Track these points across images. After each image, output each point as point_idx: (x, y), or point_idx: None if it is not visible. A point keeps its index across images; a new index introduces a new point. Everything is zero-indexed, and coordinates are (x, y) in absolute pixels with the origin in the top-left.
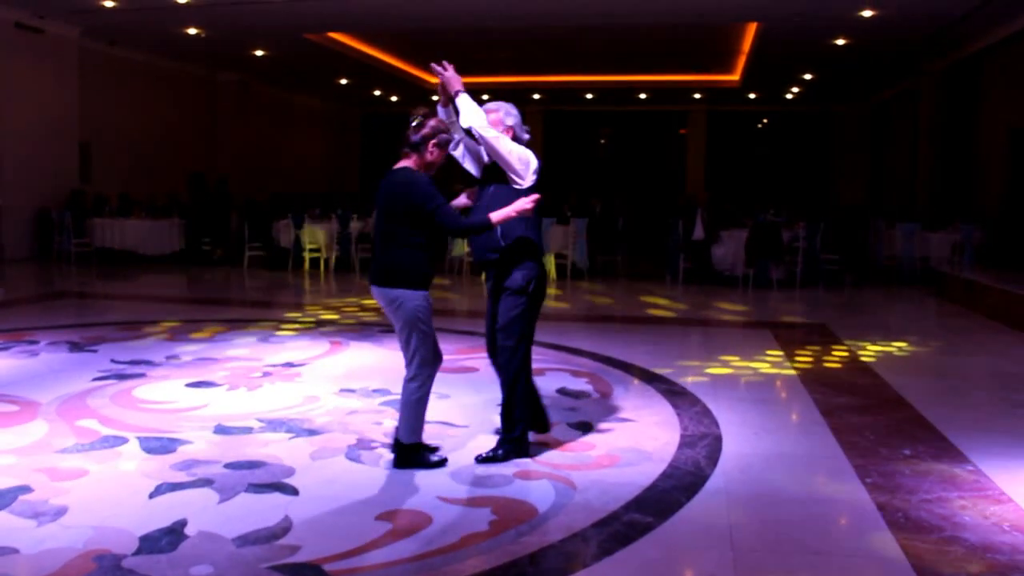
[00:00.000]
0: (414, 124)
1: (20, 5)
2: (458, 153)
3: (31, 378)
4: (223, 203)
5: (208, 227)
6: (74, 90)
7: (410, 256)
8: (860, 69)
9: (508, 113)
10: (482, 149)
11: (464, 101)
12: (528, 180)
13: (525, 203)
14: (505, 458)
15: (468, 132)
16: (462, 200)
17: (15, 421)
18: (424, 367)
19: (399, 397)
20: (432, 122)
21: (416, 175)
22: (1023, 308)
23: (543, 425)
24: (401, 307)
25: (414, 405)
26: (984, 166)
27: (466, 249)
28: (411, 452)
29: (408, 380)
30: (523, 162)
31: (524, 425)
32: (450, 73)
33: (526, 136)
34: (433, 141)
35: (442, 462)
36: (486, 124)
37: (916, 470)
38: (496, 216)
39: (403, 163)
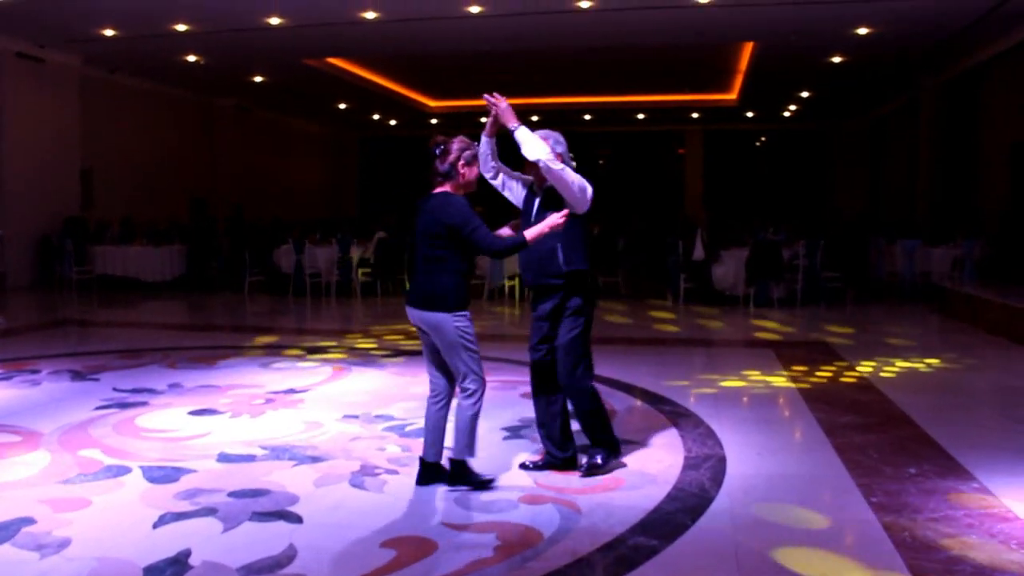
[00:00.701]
0: (438, 153)
1: (22, 35)
2: (497, 183)
3: (33, 408)
4: (237, 230)
5: (215, 253)
6: (75, 118)
7: (450, 281)
8: (857, 86)
9: (557, 141)
10: (515, 180)
11: (525, 134)
12: (586, 207)
13: (556, 219)
14: (604, 465)
15: (513, 163)
16: (506, 231)
17: (18, 451)
18: (477, 383)
19: (402, 422)
20: (454, 145)
21: (453, 198)
22: None
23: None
24: (443, 331)
25: (469, 421)
26: (985, 180)
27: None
28: (464, 469)
29: (463, 398)
30: (583, 190)
31: (611, 428)
32: (504, 105)
33: (572, 163)
34: (461, 162)
35: (491, 481)
36: (552, 156)
37: (921, 488)
38: (530, 234)
39: (440, 188)
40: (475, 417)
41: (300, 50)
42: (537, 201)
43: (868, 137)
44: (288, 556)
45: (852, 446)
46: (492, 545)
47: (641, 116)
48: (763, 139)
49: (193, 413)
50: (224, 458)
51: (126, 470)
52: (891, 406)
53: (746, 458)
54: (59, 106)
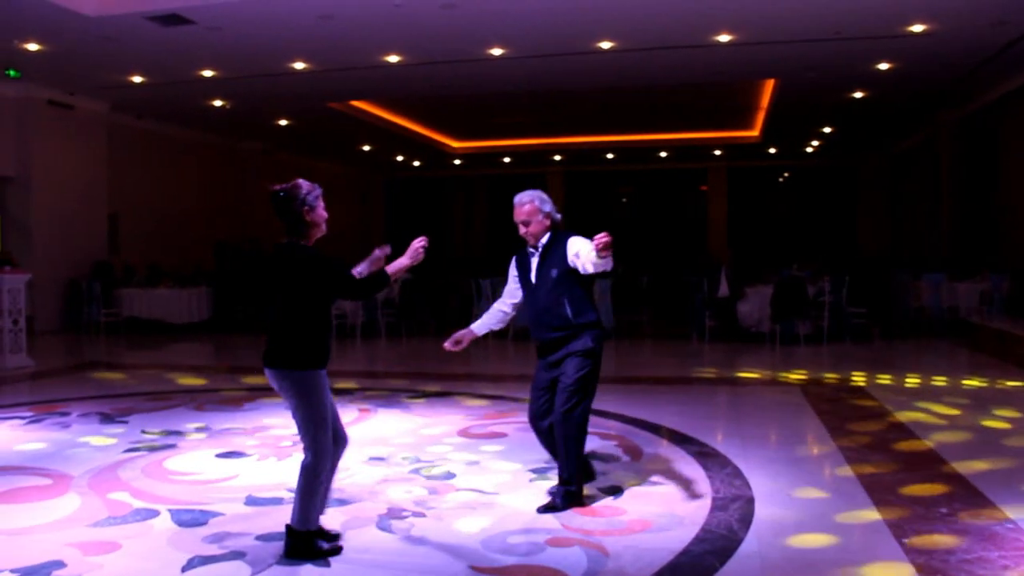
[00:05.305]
0: (280, 201)
1: (53, 83)
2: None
3: (63, 450)
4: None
5: (241, 296)
6: (103, 163)
7: (303, 335)
8: (879, 121)
9: (543, 200)
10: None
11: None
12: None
13: (417, 246)
14: (564, 508)
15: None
16: (378, 253)
17: (48, 495)
18: (322, 454)
19: (428, 464)
20: (296, 191)
21: (299, 247)
22: None
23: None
24: (289, 389)
25: (310, 492)
26: (1008, 214)
27: None
28: (304, 540)
29: (304, 466)
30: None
31: (581, 478)
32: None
33: (558, 216)
34: (305, 208)
35: (336, 550)
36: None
37: (953, 529)
38: (391, 268)
39: (287, 239)
40: (316, 490)
41: (324, 93)
42: (535, 260)
43: (890, 172)
44: None
45: (882, 485)
46: None
47: (663, 154)
48: (786, 175)
49: (221, 456)
50: (252, 501)
51: (154, 513)
52: (921, 444)
53: (774, 499)
54: (87, 152)
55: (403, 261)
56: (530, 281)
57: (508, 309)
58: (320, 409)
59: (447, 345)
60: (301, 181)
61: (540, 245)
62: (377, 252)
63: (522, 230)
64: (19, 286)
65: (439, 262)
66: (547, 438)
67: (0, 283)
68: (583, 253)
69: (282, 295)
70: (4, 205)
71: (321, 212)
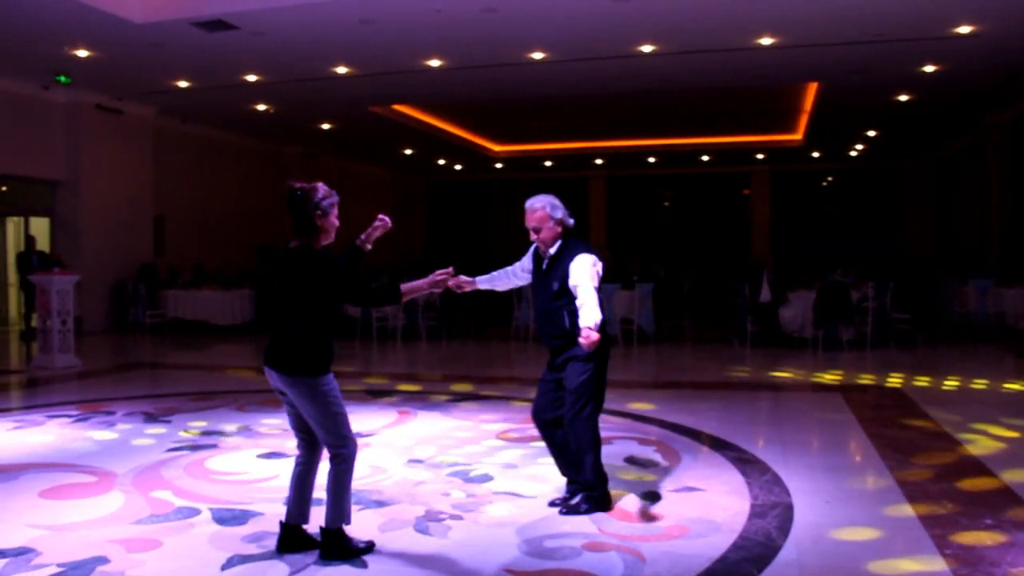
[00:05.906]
0: (295, 203)
1: (102, 88)
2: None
3: (108, 449)
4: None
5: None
6: (150, 167)
7: (316, 337)
8: (924, 124)
9: (554, 206)
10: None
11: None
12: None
13: (438, 276)
14: (588, 512)
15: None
16: (378, 223)
17: (93, 492)
18: (349, 445)
19: (466, 467)
20: (312, 195)
21: (314, 250)
22: None
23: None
24: (305, 395)
25: (343, 486)
26: None
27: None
28: (338, 540)
29: (333, 464)
30: (598, 278)
31: (603, 482)
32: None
33: (571, 220)
34: (318, 213)
35: (370, 547)
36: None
37: (999, 541)
38: (405, 287)
39: (297, 242)
40: (346, 485)
41: (366, 97)
42: (544, 265)
43: (934, 176)
44: None
45: (925, 495)
46: None
47: (706, 158)
48: (830, 179)
49: (262, 456)
50: None
51: (196, 512)
52: (965, 453)
53: (814, 506)
54: (134, 156)
55: (420, 284)
56: (536, 284)
57: (516, 279)
58: (338, 407)
59: (451, 283)
60: (320, 185)
61: (549, 254)
62: (378, 221)
63: (533, 236)
64: (68, 287)
65: (481, 265)
66: (547, 433)
67: (50, 284)
68: (577, 291)
69: (300, 300)
70: (54, 208)
71: (333, 220)
